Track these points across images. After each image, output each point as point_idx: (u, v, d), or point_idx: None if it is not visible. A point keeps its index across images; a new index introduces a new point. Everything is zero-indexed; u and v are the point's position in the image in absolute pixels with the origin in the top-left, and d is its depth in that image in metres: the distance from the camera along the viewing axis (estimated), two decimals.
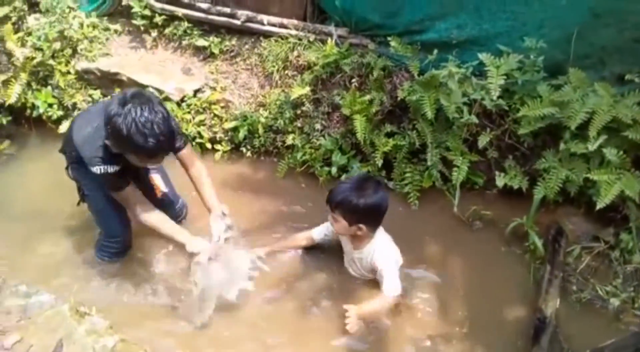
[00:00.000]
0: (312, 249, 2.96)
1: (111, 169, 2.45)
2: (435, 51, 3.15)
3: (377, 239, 2.69)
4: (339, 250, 2.90)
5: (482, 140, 3.07)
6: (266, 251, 2.89)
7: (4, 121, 3.77)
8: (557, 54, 2.97)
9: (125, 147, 2.33)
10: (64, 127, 3.69)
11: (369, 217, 2.59)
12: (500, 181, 3.09)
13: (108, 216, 2.82)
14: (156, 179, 2.98)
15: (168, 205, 3.02)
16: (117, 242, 2.89)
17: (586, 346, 2.46)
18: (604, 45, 2.93)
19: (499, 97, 2.93)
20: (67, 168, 2.80)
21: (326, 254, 2.96)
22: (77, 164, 2.67)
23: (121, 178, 2.54)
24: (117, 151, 2.40)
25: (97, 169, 2.44)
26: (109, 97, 3.76)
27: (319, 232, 2.91)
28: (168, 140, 2.36)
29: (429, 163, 3.20)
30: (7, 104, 3.68)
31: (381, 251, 2.67)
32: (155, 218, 2.62)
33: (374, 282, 2.76)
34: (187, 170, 2.79)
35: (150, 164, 2.63)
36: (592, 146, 2.76)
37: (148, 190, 2.93)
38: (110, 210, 2.78)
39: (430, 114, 3.05)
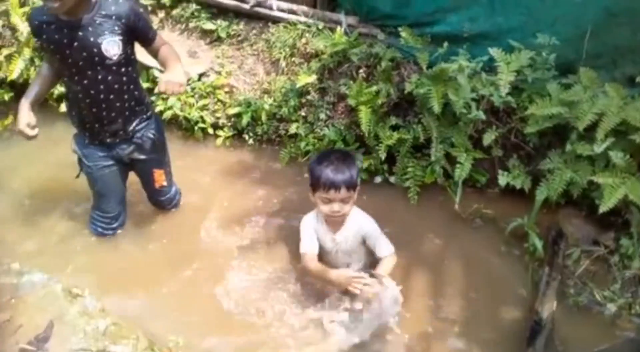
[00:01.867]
0: None
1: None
2: (446, 44, 3.09)
3: (352, 212, 2.68)
4: None
5: (488, 138, 3.02)
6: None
7: (6, 97, 3.74)
8: (569, 52, 2.92)
9: None
10: (64, 107, 3.65)
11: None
12: (503, 179, 3.05)
13: (103, 193, 2.81)
14: (160, 173, 2.92)
15: (163, 193, 3.02)
16: (106, 218, 2.89)
17: (581, 350, 2.45)
18: (616, 46, 2.89)
19: (507, 94, 2.89)
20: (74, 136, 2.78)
21: None
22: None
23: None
24: None
25: None
26: None
27: (313, 246, 2.74)
28: None
29: (432, 158, 3.16)
30: (9, 79, 3.65)
31: (364, 217, 2.70)
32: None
33: None
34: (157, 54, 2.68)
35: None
36: (598, 148, 2.70)
37: (150, 180, 2.92)
38: (107, 189, 2.78)
39: (437, 109, 3.00)
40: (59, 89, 3.69)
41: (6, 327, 2.15)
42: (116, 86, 2.54)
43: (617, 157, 2.68)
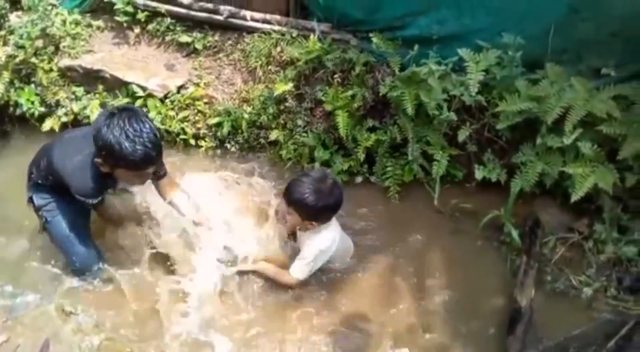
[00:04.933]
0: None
1: (94, 200, 2.56)
2: (417, 47, 3.17)
3: (321, 230, 2.75)
4: None
5: (462, 135, 3.12)
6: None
7: None
8: (535, 48, 3.01)
9: (114, 159, 2.33)
10: (47, 125, 3.71)
11: (322, 215, 2.69)
12: (479, 173, 3.15)
13: (71, 246, 2.79)
14: None
15: None
16: (85, 269, 2.83)
17: (560, 334, 2.56)
18: (581, 40, 2.98)
19: (477, 92, 2.99)
20: (30, 199, 2.79)
21: None
22: (46, 190, 2.72)
23: (100, 203, 2.63)
24: (106, 170, 2.44)
25: (83, 199, 2.52)
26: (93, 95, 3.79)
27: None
28: (156, 149, 2.39)
29: (409, 157, 3.26)
30: None
31: (313, 239, 2.74)
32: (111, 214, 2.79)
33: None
34: (167, 196, 2.87)
35: (139, 178, 2.58)
36: (567, 140, 2.82)
37: None
38: (72, 238, 2.78)
39: (410, 110, 3.09)
40: (40, 109, 3.75)
41: (4, 348, 2.22)
42: None
43: (585, 147, 2.81)
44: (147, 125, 2.34)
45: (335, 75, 3.43)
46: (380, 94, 3.26)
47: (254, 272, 2.83)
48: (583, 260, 2.90)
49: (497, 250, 3.05)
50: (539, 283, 2.80)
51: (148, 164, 2.41)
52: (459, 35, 3.17)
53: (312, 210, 2.61)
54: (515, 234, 2.96)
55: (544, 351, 2.51)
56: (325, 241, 2.73)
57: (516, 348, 2.48)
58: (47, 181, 2.69)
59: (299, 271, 2.74)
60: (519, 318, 2.59)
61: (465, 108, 3.17)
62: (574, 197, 2.79)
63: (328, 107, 3.37)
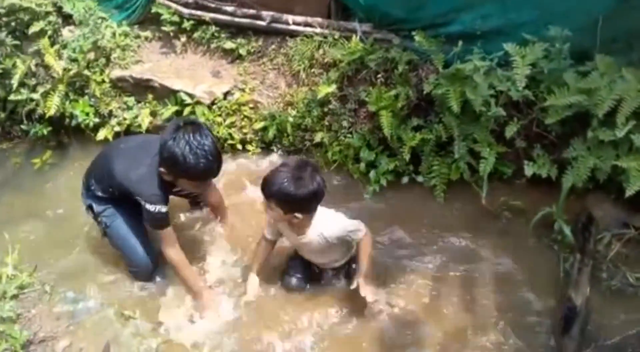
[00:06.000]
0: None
1: (164, 208, 2.65)
2: (460, 43, 3.14)
3: (317, 220, 2.61)
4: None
5: (509, 131, 3.06)
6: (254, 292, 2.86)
7: (45, 132, 3.96)
8: (584, 40, 2.94)
9: (178, 170, 2.50)
10: (101, 135, 3.86)
11: (305, 206, 2.50)
12: (529, 170, 3.08)
13: (130, 248, 2.91)
14: None
15: None
16: (144, 271, 2.95)
17: (617, 334, 2.49)
18: (631, 29, 2.90)
19: (525, 87, 2.92)
20: (89, 206, 2.92)
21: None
22: (106, 199, 2.86)
23: (168, 218, 2.71)
24: (169, 179, 2.58)
25: (153, 207, 2.62)
26: (144, 105, 3.92)
27: (270, 232, 2.83)
28: (217, 162, 2.55)
29: (456, 156, 3.23)
30: (47, 115, 3.86)
31: (329, 225, 2.61)
32: (179, 260, 2.76)
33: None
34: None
35: (200, 188, 2.81)
36: (620, 133, 2.73)
37: None
38: (131, 240, 2.90)
39: (456, 108, 3.06)
40: (94, 120, 3.90)
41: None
42: None
43: (639, 140, 2.71)
44: (210, 139, 2.50)
45: (379, 75, 3.44)
46: (424, 93, 3.25)
47: None
48: None
49: (549, 248, 2.98)
50: (594, 281, 2.72)
51: (209, 175, 2.62)
52: (503, 30, 3.12)
53: (294, 200, 2.42)
54: (567, 231, 2.89)
55: (601, 351, 2.44)
56: (331, 217, 2.64)
57: (572, 348, 2.43)
58: (108, 193, 2.84)
59: (358, 232, 2.62)
60: (575, 317, 2.53)
61: (512, 103, 3.11)
62: (629, 192, 2.70)
63: (372, 108, 3.38)
